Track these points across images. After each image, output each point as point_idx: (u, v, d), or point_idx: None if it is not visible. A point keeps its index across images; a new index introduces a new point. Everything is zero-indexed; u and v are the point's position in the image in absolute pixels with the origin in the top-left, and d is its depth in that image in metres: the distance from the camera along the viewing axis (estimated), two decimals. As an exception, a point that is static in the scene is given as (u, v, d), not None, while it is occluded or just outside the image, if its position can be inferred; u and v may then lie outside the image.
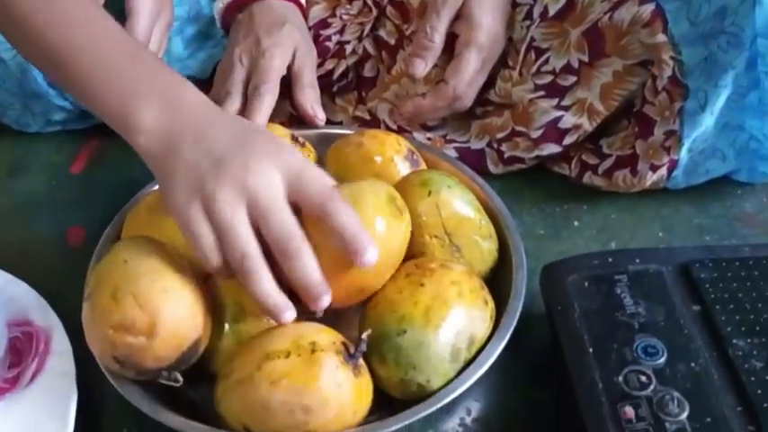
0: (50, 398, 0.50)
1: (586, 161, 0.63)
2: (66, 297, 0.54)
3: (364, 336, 0.46)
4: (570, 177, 0.65)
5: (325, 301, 0.46)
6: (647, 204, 0.64)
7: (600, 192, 0.64)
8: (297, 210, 0.46)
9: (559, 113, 0.61)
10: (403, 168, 0.59)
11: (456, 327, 0.47)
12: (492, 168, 0.65)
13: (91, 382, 0.52)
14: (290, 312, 0.46)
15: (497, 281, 0.54)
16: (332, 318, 0.49)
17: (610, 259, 0.51)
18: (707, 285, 0.48)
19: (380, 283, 0.49)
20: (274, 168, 0.46)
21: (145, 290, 0.45)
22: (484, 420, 0.50)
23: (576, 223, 0.63)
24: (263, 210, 0.45)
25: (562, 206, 0.65)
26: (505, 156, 0.64)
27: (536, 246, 0.60)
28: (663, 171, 0.59)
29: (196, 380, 0.50)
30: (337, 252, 0.45)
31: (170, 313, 0.45)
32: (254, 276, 0.45)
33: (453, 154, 0.65)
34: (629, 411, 0.43)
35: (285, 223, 0.45)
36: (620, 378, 0.44)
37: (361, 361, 0.47)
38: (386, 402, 0.48)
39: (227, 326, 0.49)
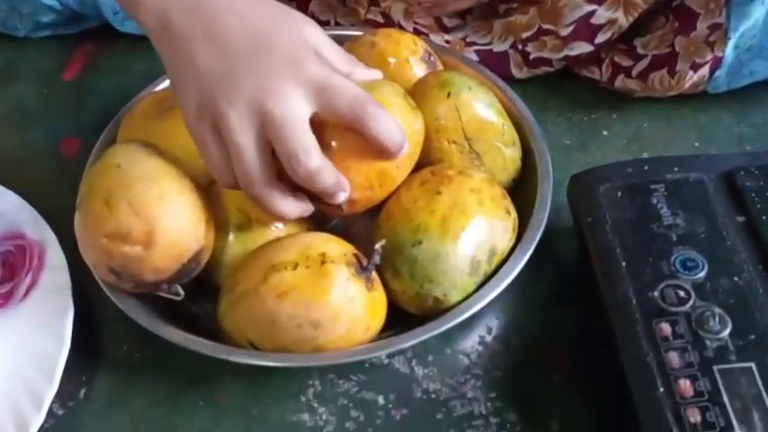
0: (45, 313, 0.47)
1: (619, 63, 0.58)
2: (60, 209, 0.50)
3: (378, 246, 0.43)
4: (600, 82, 0.60)
5: (343, 196, 0.43)
6: (683, 112, 0.59)
7: (631, 99, 0.60)
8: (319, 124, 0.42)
9: (592, 8, 0.56)
10: (419, 71, 0.54)
11: (476, 238, 0.44)
12: (516, 72, 0.61)
13: (88, 297, 0.49)
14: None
15: (520, 192, 0.50)
16: (341, 232, 0.46)
17: (645, 167, 0.46)
18: (752, 194, 0.44)
19: (401, 175, 0.46)
20: (294, 84, 0.41)
21: (141, 196, 0.41)
22: (505, 339, 0.47)
23: (604, 133, 0.59)
24: (278, 131, 0.40)
25: (590, 115, 0.60)
26: (531, 57, 0.59)
27: (562, 157, 0.56)
28: (704, 70, 0.54)
29: (199, 293, 0.47)
30: (361, 152, 0.43)
31: (169, 222, 0.42)
32: (266, 202, 0.42)
33: (474, 58, 0.60)
34: (666, 328, 0.39)
35: (300, 143, 0.41)
36: (656, 293, 0.41)
37: (374, 274, 0.43)
38: (401, 318, 0.45)
39: (231, 235, 0.46)
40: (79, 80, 0.66)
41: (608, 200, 0.46)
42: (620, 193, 0.46)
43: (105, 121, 0.55)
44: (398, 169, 0.45)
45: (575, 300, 0.48)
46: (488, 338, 0.47)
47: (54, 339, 0.45)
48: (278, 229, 0.46)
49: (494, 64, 0.59)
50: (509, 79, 0.58)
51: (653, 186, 0.45)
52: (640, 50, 0.57)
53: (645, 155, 0.57)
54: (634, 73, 0.57)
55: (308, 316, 0.41)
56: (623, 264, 0.42)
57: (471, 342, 0.47)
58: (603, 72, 0.59)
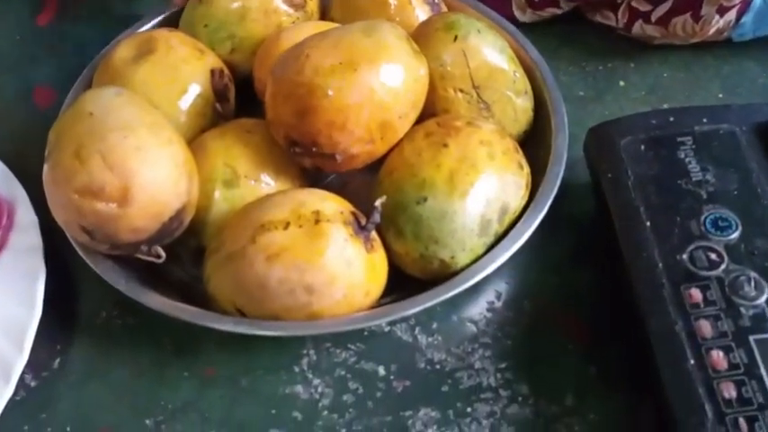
0: (15, 276, 0.43)
1: (637, 8, 0.53)
2: (31, 164, 0.46)
3: (378, 203, 0.39)
4: (616, 28, 0.55)
5: None
6: (705, 62, 0.55)
7: (649, 47, 0.55)
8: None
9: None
10: (421, 14, 0.50)
11: (486, 194, 0.40)
12: (518, 15, 0.56)
13: (62, 259, 0.45)
14: None
15: (531, 145, 0.46)
16: (338, 189, 0.42)
17: (671, 118, 0.42)
18: (790, 147, 0.40)
19: (404, 127, 0.42)
20: None
21: (115, 148, 0.37)
22: (515, 304, 0.43)
23: (621, 83, 0.54)
24: None
25: (605, 64, 0.56)
26: None
27: (576, 109, 0.51)
28: (731, 15, 0.49)
29: (183, 255, 0.44)
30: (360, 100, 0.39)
31: (146, 176, 0.38)
32: None
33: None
34: (696, 294, 0.36)
35: None
36: (685, 256, 0.37)
37: (374, 234, 0.39)
38: (402, 282, 0.41)
39: (217, 192, 0.42)
40: (54, 25, 0.61)
41: (630, 154, 0.42)
42: (643, 147, 0.42)
43: (82, 69, 0.51)
44: (401, 120, 0.41)
45: (590, 262, 0.44)
46: (497, 304, 0.43)
47: (24, 305, 0.41)
48: (269, 186, 0.42)
49: (495, 4, 0.54)
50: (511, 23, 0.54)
51: (680, 139, 0.41)
52: None
53: (665, 106, 0.52)
54: (654, 18, 0.53)
55: (301, 280, 0.37)
56: (647, 224, 0.39)
57: (479, 308, 0.43)
58: (620, 17, 0.55)
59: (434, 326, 0.43)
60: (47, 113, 0.54)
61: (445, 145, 0.41)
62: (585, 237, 0.45)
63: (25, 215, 0.45)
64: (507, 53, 0.46)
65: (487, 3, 0.54)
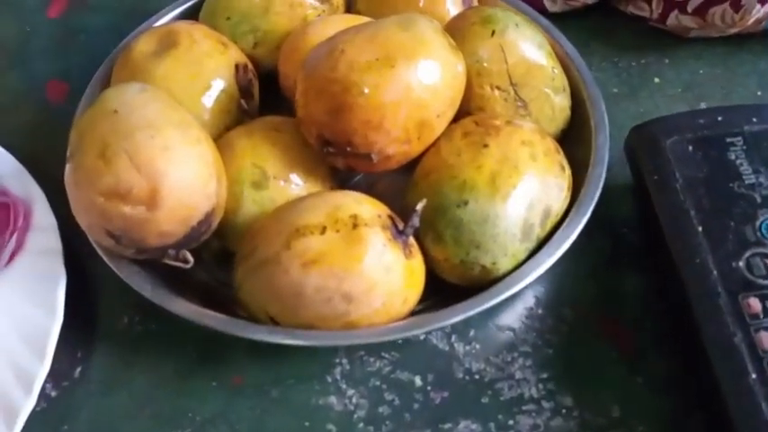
0: (34, 281, 0.41)
1: None
2: (47, 163, 0.44)
3: (419, 207, 0.37)
4: (650, 20, 0.53)
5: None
6: (741, 58, 0.53)
7: (683, 42, 0.53)
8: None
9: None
10: (452, 8, 0.48)
11: (529, 197, 0.38)
12: (548, 5, 0.54)
13: (82, 262, 0.43)
14: None
15: (568, 144, 0.44)
16: (366, 189, 0.40)
17: (719, 117, 0.41)
18: None
19: (442, 126, 0.40)
20: None
21: (142, 147, 0.35)
22: (555, 310, 0.42)
23: (656, 80, 0.53)
24: None
25: (639, 60, 0.54)
26: None
27: (609, 107, 0.48)
28: None
29: (210, 259, 0.42)
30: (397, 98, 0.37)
31: (175, 177, 0.36)
32: None
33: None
34: (755, 304, 0.34)
35: None
36: (741, 263, 0.35)
37: (411, 239, 0.38)
38: (439, 285, 0.39)
39: (245, 194, 0.40)
40: (66, 17, 0.59)
41: (677, 155, 0.40)
42: (690, 148, 0.40)
43: (96, 63, 0.49)
44: (439, 119, 0.39)
45: (632, 266, 0.43)
46: (537, 310, 0.42)
47: (44, 311, 0.40)
48: (298, 187, 0.40)
49: None
50: (541, 14, 0.52)
51: (729, 140, 0.40)
52: None
53: (702, 104, 0.51)
54: (690, 8, 0.51)
55: (339, 288, 0.35)
56: (699, 229, 0.37)
57: (517, 314, 0.42)
58: (654, 8, 0.53)
59: (471, 333, 0.41)
60: (61, 109, 0.52)
61: (485, 145, 0.39)
62: (625, 240, 0.44)
63: (43, 216, 0.44)
64: (546, 49, 0.44)
65: None
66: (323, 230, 0.36)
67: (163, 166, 0.35)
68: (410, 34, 0.39)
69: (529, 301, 0.42)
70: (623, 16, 0.55)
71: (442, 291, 0.39)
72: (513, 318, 0.41)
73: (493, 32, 0.42)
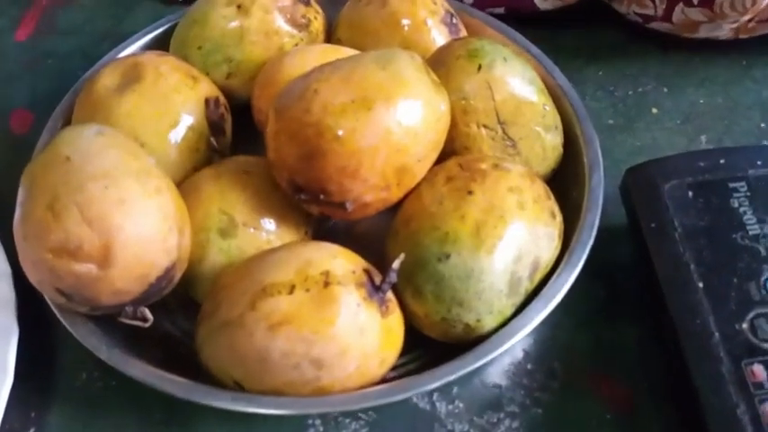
0: (-15, 334, 0.38)
1: None
2: (6, 201, 0.41)
3: (395, 264, 0.34)
4: (654, 18, 0.50)
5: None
6: (744, 87, 0.51)
7: (683, 68, 0.51)
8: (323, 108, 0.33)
9: None
10: (438, 37, 0.45)
11: (516, 249, 0.35)
12: (539, 2, 0.51)
13: (37, 313, 0.40)
14: None
15: (560, 181, 0.41)
16: (344, 232, 0.38)
17: (722, 160, 0.38)
18: None
19: (423, 171, 0.37)
20: None
21: (94, 200, 0.32)
22: (545, 365, 0.39)
23: (654, 111, 0.50)
24: None
25: (636, 88, 0.51)
26: None
27: (604, 139, 0.46)
28: None
29: (174, 308, 0.39)
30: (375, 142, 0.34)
31: (131, 232, 0.33)
32: None
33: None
34: (759, 372, 0.31)
35: None
36: (745, 325, 0.33)
37: (389, 294, 0.35)
38: (420, 338, 0.36)
39: (211, 243, 0.37)
40: (34, 40, 0.56)
41: (676, 201, 0.37)
42: (690, 193, 0.37)
43: (63, 91, 0.46)
44: (420, 163, 0.37)
45: (629, 314, 0.40)
46: (526, 365, 0.39)
47: (-6, 369, 0.37)
48: (269, 234, 0.38)
49: None
50: (531, 12, 0.49)
51: (732, 185, 0.37)
52: None
53: (703, 138, 0.48)
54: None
55: (307, 353, 0.32)
56: (700, 285, 0.34)
57: (504, 370, 0.39)
58: (658, 3, 0.49)
59: (454, 391, 0.38)
60: (25, 141, 0.49)
61: (470, 192, 0.36)
62: (620, 286, 0.41)
63: (-4, 262, 0.41)
64: (537, 84, 0.41)
65: None
66: (291, 290, 0.33)
67: (117, 221, 0.32)
68: (389, 73, 0.36)
69: (517, 354, 0.39)
70: (618, 29, 0.52)
71: (423, 343, 0.37)
72: (499, 373, 0.39)
73: (480, 67, 0.40)
